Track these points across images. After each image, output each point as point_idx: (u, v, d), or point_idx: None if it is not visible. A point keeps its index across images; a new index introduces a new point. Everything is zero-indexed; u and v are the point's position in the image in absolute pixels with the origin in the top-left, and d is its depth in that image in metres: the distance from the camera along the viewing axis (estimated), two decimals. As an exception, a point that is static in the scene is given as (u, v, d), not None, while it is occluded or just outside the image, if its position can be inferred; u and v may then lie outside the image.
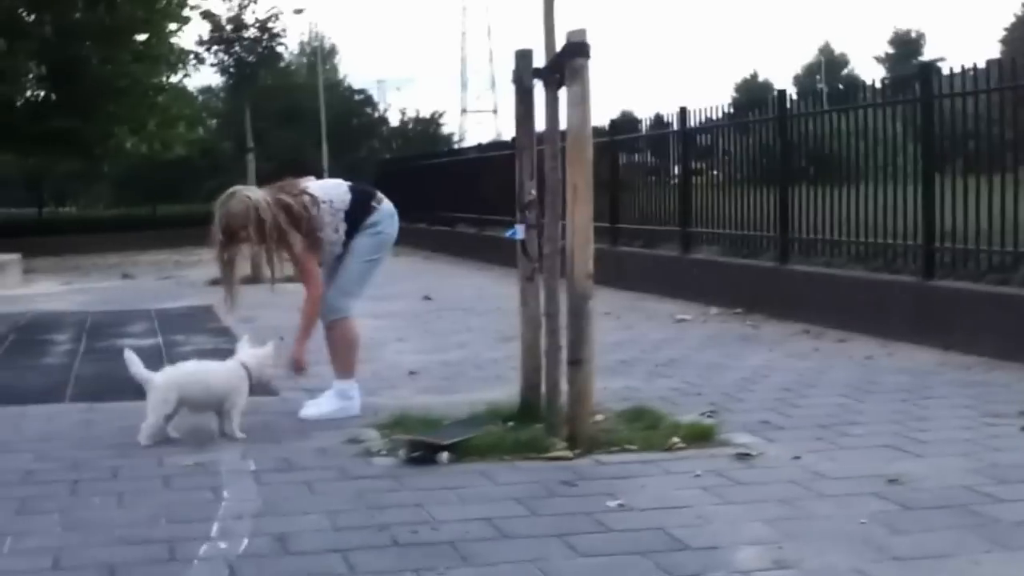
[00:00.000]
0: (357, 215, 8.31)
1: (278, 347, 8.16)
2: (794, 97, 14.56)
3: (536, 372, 7.76)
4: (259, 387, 8.21)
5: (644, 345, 11.51)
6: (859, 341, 11.19)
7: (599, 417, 7.73)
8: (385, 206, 8.45)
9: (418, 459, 6.90)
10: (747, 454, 6.81)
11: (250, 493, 6.35)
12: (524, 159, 7.79)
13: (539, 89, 7.60)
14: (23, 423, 8.48)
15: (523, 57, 7.73)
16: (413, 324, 13.52)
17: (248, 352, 8.01)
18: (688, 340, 11.80)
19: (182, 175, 44.61)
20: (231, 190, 8.28)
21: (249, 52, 21.20)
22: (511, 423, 7.68)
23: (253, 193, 8.23)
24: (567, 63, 7.11)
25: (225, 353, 11.04)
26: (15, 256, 23.14)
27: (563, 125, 7.24)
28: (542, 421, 7.49)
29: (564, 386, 7.26)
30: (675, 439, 7.13)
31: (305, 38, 65.80)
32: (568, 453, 6.93)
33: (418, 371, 10.31)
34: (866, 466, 6.50)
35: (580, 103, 7.07)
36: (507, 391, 8.29)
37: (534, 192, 7.71)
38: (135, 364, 7.82)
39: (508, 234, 7.97)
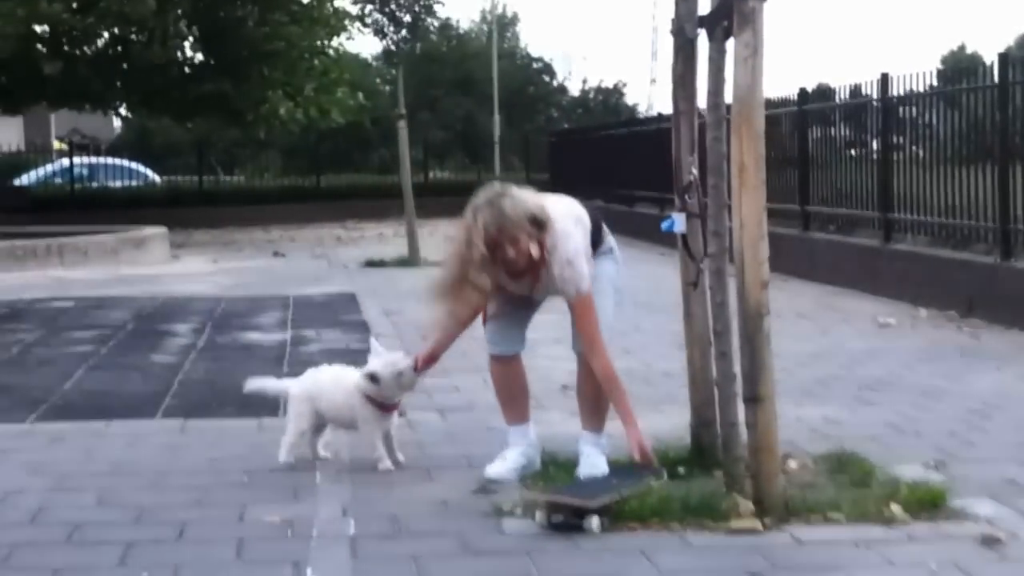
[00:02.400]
0: (595, 239, 6.39)
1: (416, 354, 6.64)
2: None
3: (708, 405, 6.30)
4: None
5: (843, 357, 9.88)
6: (1106, 360, 9.45)
7: (792, 464, 6.28)
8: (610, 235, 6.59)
9: (561, 524, 5.48)
10: (995, 537, 5.21)
11: (341, 573, 4.96)
12: (683, 129, 6.33)
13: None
14: (99, 447, 7.23)
15: (684, 1, 6.26)
16: (575, 321, 12.00)
17: (378, 360, 6.59)
18: (896, 352, 10.13)
19: (351, 144, 43.64)
20: (499, 188, 6.18)
21: (404, 10, 19.83)
22: (681, 469, 6.25)
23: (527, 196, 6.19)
24: (737, 6, 5.58)
25: (356, 355, 9.80)
26: (160, 230, 22.12)
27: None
28: (719, 466, 6.02)
29: (742, 424, 5.76)
30: (894, 507, 5.58)
31: (486, 6, 64.67)
32: (756, 524, 5.43)
33: (572, 386, 8.82)
34: None
35: (751, 56, 5.54)
36: (679, 419, 6.81)
37: (695, 172, 6.21)
38: (265, 384, 6.95)
39: (665, 226, 6.44)
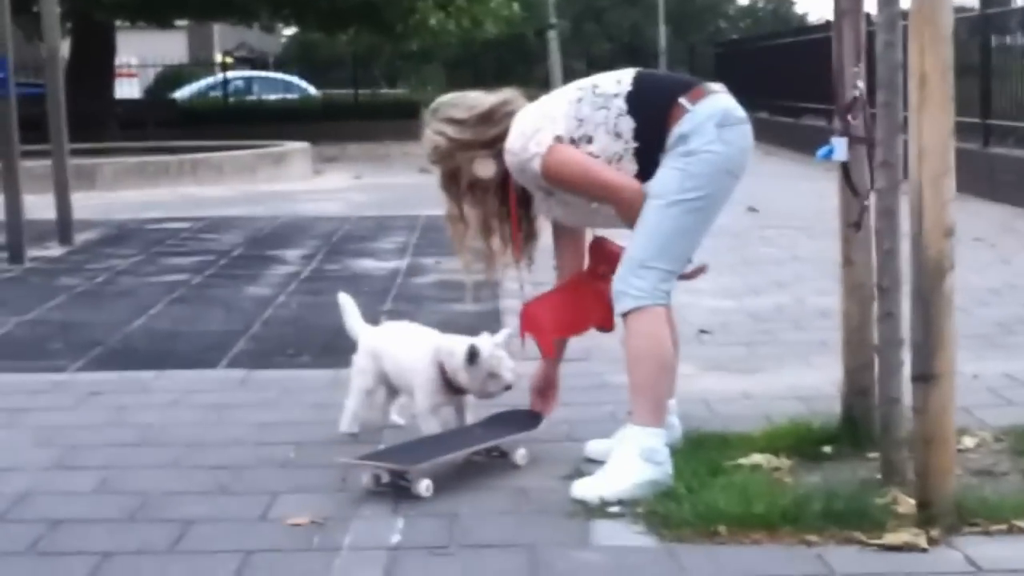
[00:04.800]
0: (650, 115, 4.62)
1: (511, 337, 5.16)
2: None
3: (864, 371, 4.89)
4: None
5: (1031, 294, 8.32)
6: None
7: (967, 441, 4.89)
8: (706, 107, 4.62)
9: (389, 486, 4.63)
10: None
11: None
12: (845, 32, 4.86)
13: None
14: (136, 406, 6.00)
15: None
16: (725, 248, 10.37)
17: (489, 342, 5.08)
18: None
19: (515, 57, 42.20)
20: (430, 107, 4.96)
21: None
22: (827, 448, 4.89)
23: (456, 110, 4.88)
24: None
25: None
26: (302, 145, 20.94)
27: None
28: (875, 445, 4.68)
29: (908, 401, 4.34)
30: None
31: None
32: (918, 540, 4.01)
33: (712, 330, 7.43)
34: None
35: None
36: (830, 375, 5.43)
37: (862, 86, 4.74)
38: (350, 314, 5.47)
39: (822, 154, 4.94)
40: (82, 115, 24.46)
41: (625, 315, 4.61)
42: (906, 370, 4.31)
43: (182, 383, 6.41)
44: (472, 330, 5.29)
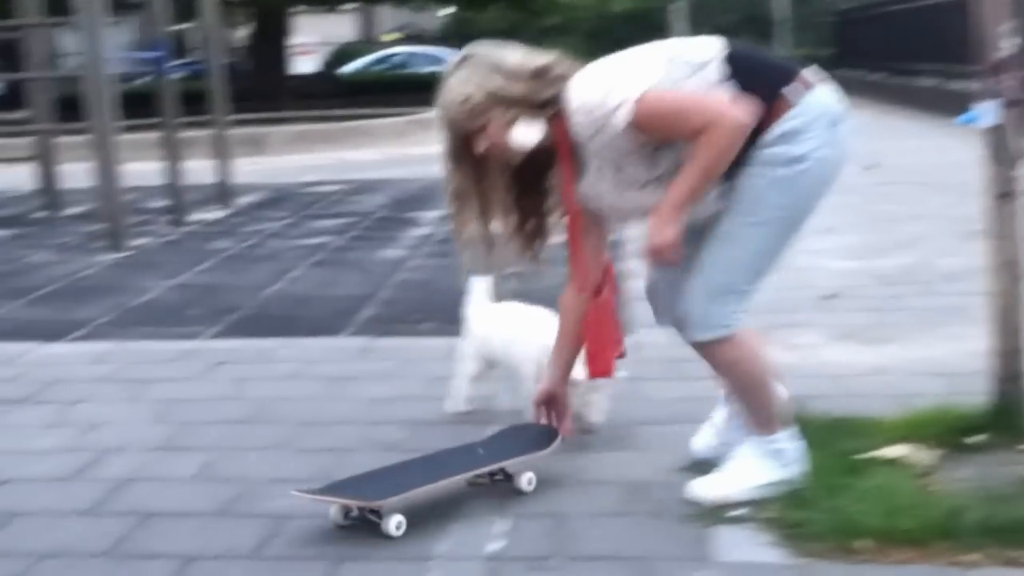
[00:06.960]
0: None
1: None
2: None
3: (1017, 356, 3.90)
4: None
5: None
6: None
7: None
8: (815, 102, 3.40)
9: (357, 520, 3.55)
10: None
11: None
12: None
13: None
14: (253, 378, 5.22)
15: None
16: (846, 205, 9.34)
17: None
18: None
19: (645, 29, 40.93)
20: (462, 54, 3.61)
21: None
22: (973, 439, 3.89)
23: (497, 57, 3.55)
24: None
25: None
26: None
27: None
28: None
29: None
30: None
31: None
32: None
33: (838, 293, 6.45)
34: None
35: None
36: (968, 347, 4.48)
37: (1012, 44, 3.73)
38: (475, 295, 4.54)
39: (964, 120, 3.92)
40: (260, 89, 24.11)
41: (708, 345, 3.51)
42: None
43: (304, 353, 5.61)
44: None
